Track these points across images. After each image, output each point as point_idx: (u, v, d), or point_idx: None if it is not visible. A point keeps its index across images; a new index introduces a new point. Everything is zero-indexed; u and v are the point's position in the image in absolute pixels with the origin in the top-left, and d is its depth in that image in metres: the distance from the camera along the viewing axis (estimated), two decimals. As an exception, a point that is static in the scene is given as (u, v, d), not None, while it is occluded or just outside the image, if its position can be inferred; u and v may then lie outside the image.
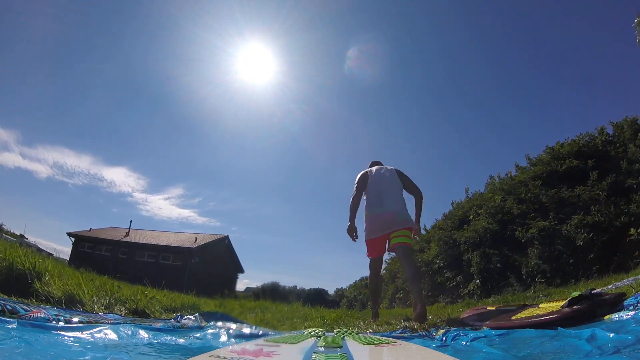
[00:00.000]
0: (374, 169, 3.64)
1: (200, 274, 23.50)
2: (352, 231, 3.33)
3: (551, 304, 2.73)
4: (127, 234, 26.33)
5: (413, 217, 3.40)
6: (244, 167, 68.55)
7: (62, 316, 2.17)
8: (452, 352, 2.00)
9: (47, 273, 3.34)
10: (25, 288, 2.99)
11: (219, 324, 3.07)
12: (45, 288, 3.03)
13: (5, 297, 2.57)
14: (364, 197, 3.51)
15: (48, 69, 51.49)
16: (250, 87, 53.31)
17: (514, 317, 2.77)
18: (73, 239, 25.62)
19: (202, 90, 51.13)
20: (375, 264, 3.67)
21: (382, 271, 11.59)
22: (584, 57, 35.40)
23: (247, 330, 2.94)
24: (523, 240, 8.75)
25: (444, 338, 2.44)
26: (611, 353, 1.44)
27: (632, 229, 6.86)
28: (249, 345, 1.16)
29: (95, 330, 1.89)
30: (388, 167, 3.63)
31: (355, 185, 3.49)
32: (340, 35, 52.64)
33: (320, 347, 1.41)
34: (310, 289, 34.16)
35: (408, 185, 3.51)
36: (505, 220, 9.83)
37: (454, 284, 10.46)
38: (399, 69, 55.86)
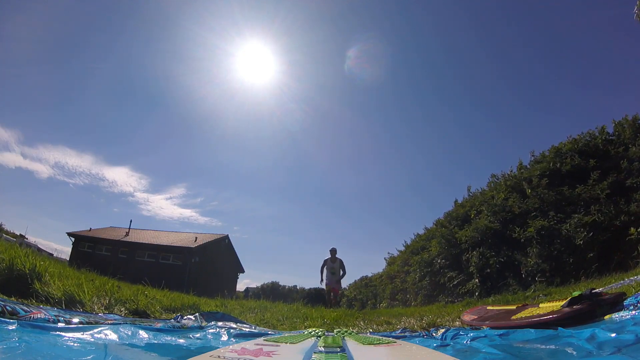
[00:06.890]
0: (329, 257, 8.54)
1: (200, 274, 23.48)
2: (322, 282, 8.57)
3: (551, 304, 2.73)
4: (127, 234, 26.30)
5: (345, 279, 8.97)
6: (245, 167, 68.61)
7: (62, 317, 2.17)
8: (452, 351, 1.99)
9: (47, 274, 3.34)
10: (25, 289, 2.99)
11: (219, 323, 3.07)
12: (45, 289, 3.03)
13: (5, 297, 2.57)
14: (325, 270, 8.60)
15: (50, 69, 51.53)
16: (250, 87, 53.39)
17: (514, 317, 2.77)
18: (73, 239, 25.60)
19: (202, 90, 51.22)
20: (328, 293, 8.63)
21: (381, 271, 18.96)
22: (586, 56, 35.36)
23: (247, 330, 2.94)
24: (522, 240, 8.73)
25: (444, 337, 2.44)
26: (611, 353, 1.44)
27: (632, 229, 6.85)
28: (249, 345, 1.15)
29: (95, 330, 1.89)
30: (337, 257, 8.59)
31: (322, 265, 8.54)
32: (340, 34, 52.61)
33: (320, 347, 1.40)
34: (310, 288, 34.10)
35: (342, 267, 8.64)
36: (506, 219, 9.80)
37: (455, 283, 10.43)
38: (401, 68, 55.88)
